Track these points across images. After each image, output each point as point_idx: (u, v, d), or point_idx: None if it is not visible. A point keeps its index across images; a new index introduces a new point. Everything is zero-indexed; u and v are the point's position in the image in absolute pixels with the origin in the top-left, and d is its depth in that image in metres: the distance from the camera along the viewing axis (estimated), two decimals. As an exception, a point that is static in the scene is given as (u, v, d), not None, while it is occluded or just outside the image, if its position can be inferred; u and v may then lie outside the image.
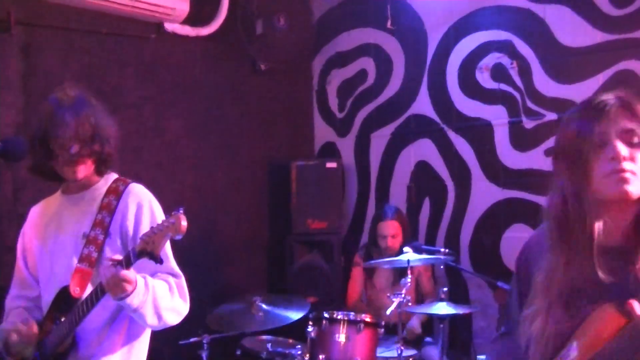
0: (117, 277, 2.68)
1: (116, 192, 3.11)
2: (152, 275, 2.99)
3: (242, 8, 6.67)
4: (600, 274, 1.98)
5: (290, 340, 5.36)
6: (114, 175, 3.22)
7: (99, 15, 5.57)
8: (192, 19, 6.20)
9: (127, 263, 2.71)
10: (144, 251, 2.67)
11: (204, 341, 5.18)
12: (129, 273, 2.71)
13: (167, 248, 3.12)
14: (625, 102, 2.06)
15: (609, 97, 2.07)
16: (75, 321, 2.92)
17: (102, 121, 3.06)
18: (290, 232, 6.89)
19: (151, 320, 2.92)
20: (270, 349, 5.13)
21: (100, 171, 3.15)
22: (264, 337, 5.42)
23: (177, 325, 5.67)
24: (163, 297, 2.94)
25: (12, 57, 5.15)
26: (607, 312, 1.90)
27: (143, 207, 3.12)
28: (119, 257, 2.73)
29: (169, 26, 6.09)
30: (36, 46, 5.30)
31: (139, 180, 5.58)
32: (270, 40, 6.81)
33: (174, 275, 3.11)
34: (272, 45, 6.84)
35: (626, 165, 1.96)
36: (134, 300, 2.77)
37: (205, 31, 6.40)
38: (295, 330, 5.41)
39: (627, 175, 1.96)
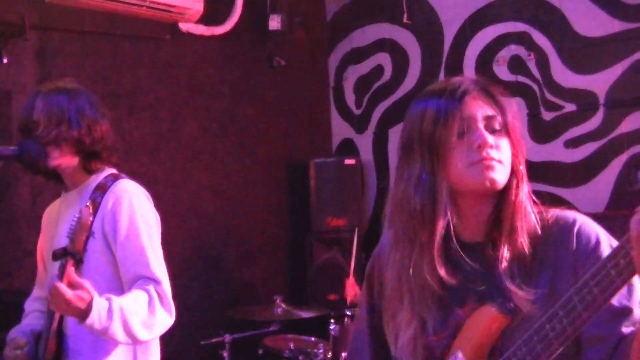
0: (55, 290, 2.53)
1: (103, 189, 2.98)
2: (134, 280, 2.87)
3: (257, 6, 6.66)
4: (444, 275, 1.91)
5: (313, 339, 5.34)
6: (109, 170, 3.10)
7: (112, 17, 5.57)
8: (207, 18, 6.19)
9: (61, 270, 2.59)
10: (65, 251, 2.57)
11: (226, 341, 5.16)
12: (81, 293, 2.56)
13: (149, 249, 2.93)
14: (484, 87, 1.97)
15: (466, 82, 1.97)
16: (48, 328, 2.85)
17: (83, 110, 2.97)
18: (309, 230, 6.87)
19: (123, 339, 2.75)
20: (292, 348, 5.09)
21: (87, 167, 3.03)
22: (286, 335, 5.41)
23: (199, 324, 5.72)
24: (137, 314, 2.76)
25: (27, 61, 5.16)
26: (488, 314, 1.84)
27: (121, 204, 2.93)
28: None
29: (183, 26, 6.08)
30: (51, 50, 5.31)
31: (156, 181, 5.65)
32: (284, 37, 6.80)
33: (154, 281, 2.88)
34: (287, 42, 6.83)
35: (493, 153, 1.89)
36: (94, 324, 2.62)
37: (220, 30, 6.39)
38: (318, 328, 5.40)
39: (494, 163, 1.88)
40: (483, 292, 1.89)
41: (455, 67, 6.56)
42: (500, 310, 1.83)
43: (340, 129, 7.54)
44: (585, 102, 5.66)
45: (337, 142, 7.56)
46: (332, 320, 4.93)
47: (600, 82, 5.60)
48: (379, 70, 7.20)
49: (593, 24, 5.68)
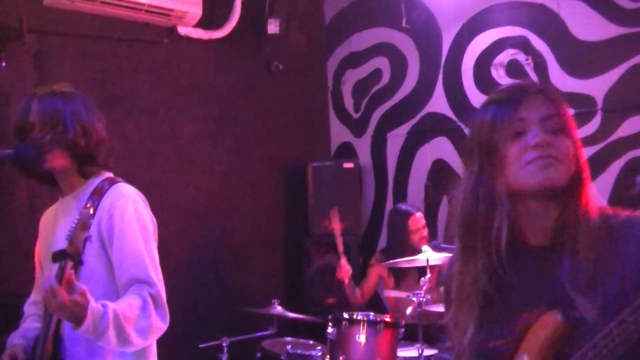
0: (52, 291, 2.49)
1: (100, 193, 2.95)
2: (130, 284, 2.85)
3: (255, 10, 6.67)
4: (508, 280, 1.91)
5: (311, 342, 5.35)
6: (106, 175, 3.08)
7: (111, 21, 5.58)
8: (205, 22, 6.20)
9: (59, 273, 2.57)
10: (65, 253, 2.55)
11: (224, 344, 5.17)
12: (77, 298, 2.53)
13: (145, 253, 2.92)
14: (541, 87, 1.97)
15: (524, 84, 1.98)
16: (46, 330, 2.83)
17: (79, 113, 2.95)
18: (307, 233, 6.87)
19: (118, 346, 2.74)
20: (290, 351, 5.10)
21: (83, 171, 3.01)
22: (284, 338, 5.41)
23: (197, 328, 5.72)
24: (132, 320, 2.74)
25: (25, 64, 5.17)
26: (553, 320, 1.83)
27: (118, 207, 2.91)
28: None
29: (181, 30, 6.09)
30: (49, 53, 5.32)
31: (154, 184, 5.65)
32: (283, 41, 6.81)
33: (150, 284, 2.86)
34: (285, 46, 6.84)
35: (550, 151, 1.86)
36: (88, 330, 2.60)
37: (218, 34, 6.40)
38: (315, 331, 5.40)
39: (551, 161, 1.85)
40: (550, 298, 1.87)
41: (454, 71, 6.57)
42: (565, 318, 1.81)
43: (338, 133, 7.54)
44: (583, 106, 5.66)
45: (335, 146, 7.56)
46: (330, 324, 4.93)
47: (598, 87, 5.61)
48: (377, 74, 7.21)
49: (591, 28, 5.69)
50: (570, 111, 1.96)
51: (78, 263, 2.61)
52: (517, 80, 2.04)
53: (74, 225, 2.61)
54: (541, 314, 1.86)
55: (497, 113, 1.93)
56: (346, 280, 5.94)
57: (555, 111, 1.92)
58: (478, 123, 1.99)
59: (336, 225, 6.09)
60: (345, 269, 5.90)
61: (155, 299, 2.84)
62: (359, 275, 6.54)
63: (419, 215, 6.01)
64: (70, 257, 2.57)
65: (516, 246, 1.94)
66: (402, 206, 6.22)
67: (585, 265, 1.85)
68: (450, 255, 2.30)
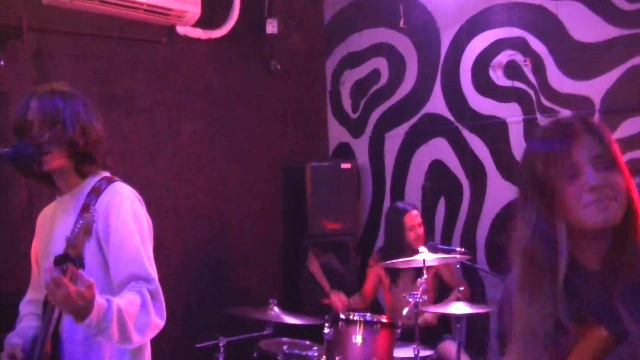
0: (56, 282, 2.45)
1: (97, 192, 2.96)
2: (127, 281, 2.85)
3: (254, 10, 6.67)
4: (566, 310, 1.97)
5: (307, 342, 5.35)
6: (104, 174, 3.09)
7: (110, 19, 5.58)
8: (204, 22, 6.21)
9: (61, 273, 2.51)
10: (67, 256, 2.51)
11: (220, 344, 5.17)
12: (83, 289, 2.49)
13: (142, 250, 2.92)
14: (589, 125, 2.03)
15: (572, 122, 2.04)
16: (45, 329, 2.82)
17: (78, 112, 2.95)
18: (305, 233, 6.87)
19: (118, 342, 2.73)
20: (286, 351, 5.10)
21: (81, 171, 3.02)
22: (281, 339, 5.41)
23: (194, 328, 5.72)
24: (133, 317, 2.74)
25: (25, 63, 5.17)
26: (599, 335, 1.90)
27: (114, 206, 2.92)
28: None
29: (180, 29, 6.10)
30: (48, 52, 5.32)
31: (152, 184, 5.65)
32: (281, 41, 6.81)
33: (148, 280, 2.87)
34: (283, 46, 6.84)
35: (606, 192, 1.95)
36: (92, 324, 2.57)
37: (217, 34, 6.41)
38: (312, 331, 5.40)
39: (609, 202, 1.95)
40: (599, 315, 1.94)
41: (452, 72, 6.57)
42: (612, 332, 1.89)
43: (336, 133, 7.55)
44: (581, 107, 5.66)
45: (334, 146, 7.57)
46: (327, 324, 4.94)
47: (596, 88, 5.61)
48: (375, 74, 7.21)
49: (589, 29, 5.69)
50: (619, 147, 2.04)
51: (80, 266, 2.60)
52: (562, 117, 2.09)
53: (77, 229, 2.60)
54: (589, 329, 1.94)
55: (550, 157, 2.01)
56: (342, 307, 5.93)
57: (605, 149, 2.00)
58: (529, 162, 2.08)
59: (315, 267, 6.15)
60: (338, 303, 5.93)
61: (153, 294, 2.84)
62: (358, 275, 6.55)
63: (415, 212, 6.02)
64: (72, 260, 2.56)
65: (570, 269, 2.01)
66: (399, 203, 6.25)
67: (637, 289, 1.93)
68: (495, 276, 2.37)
